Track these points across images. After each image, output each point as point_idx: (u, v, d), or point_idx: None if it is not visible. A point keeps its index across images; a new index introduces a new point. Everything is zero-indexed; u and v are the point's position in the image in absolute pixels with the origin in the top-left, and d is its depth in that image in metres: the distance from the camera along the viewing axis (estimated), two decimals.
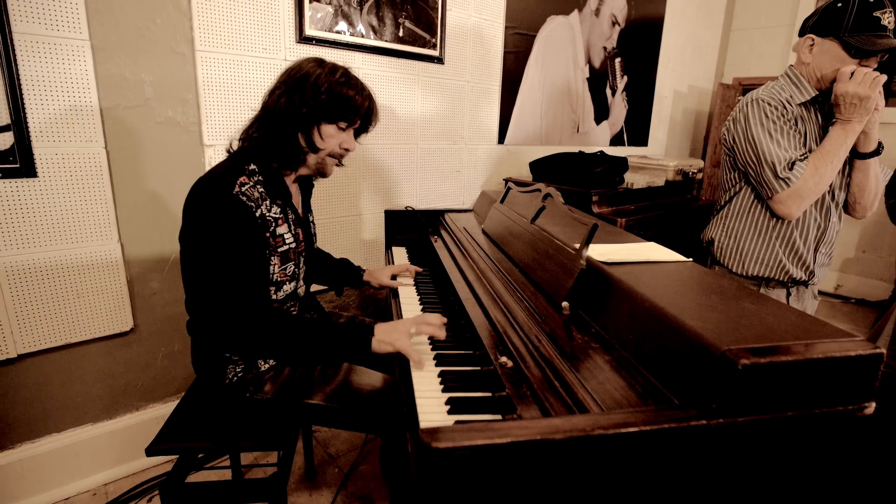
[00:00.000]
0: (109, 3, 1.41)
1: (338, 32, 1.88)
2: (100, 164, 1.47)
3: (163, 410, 1.74)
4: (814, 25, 1.38)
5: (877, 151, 1.41)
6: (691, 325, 0.68)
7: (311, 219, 1.36)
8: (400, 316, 1.28)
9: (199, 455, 1.71)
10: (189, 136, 1.63)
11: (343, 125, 1.16)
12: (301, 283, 1.27)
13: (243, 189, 1.05)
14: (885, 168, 1.50)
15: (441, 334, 1.06)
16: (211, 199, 1.04)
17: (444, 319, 1.09)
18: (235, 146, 1.17)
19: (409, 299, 1.38)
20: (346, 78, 1.13)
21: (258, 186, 1.09)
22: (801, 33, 1.43)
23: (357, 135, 1.23)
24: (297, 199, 1.27)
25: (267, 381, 1.19)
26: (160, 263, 1.65)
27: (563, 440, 0.57)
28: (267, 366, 1.20)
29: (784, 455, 0.66)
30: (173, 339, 1.73)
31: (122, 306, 1.59)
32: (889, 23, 1.29)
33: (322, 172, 1.23)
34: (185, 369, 1.77)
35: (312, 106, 1.10)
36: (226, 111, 1.68)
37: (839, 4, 1.32)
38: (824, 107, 1.44)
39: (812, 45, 1.38)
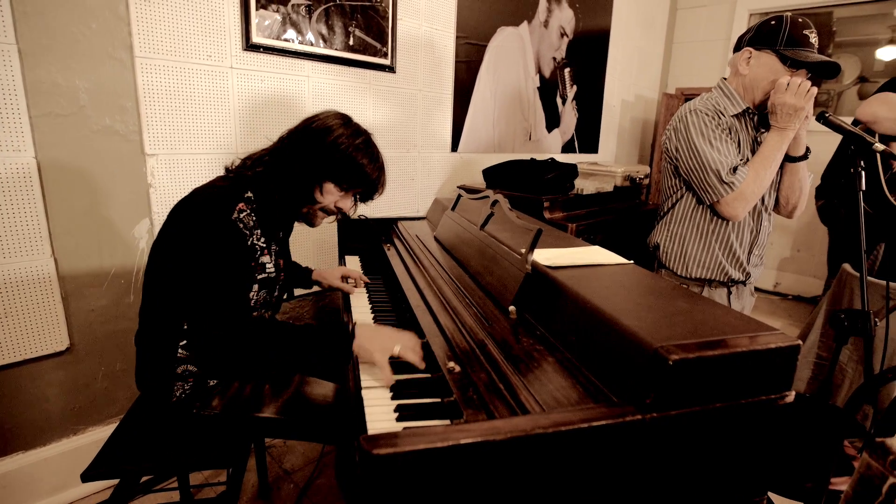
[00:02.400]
0: (39, 6, 1.35)
1: (286, 40, 1.85)
2: (29, 174, 1.39)
3: (103, 433, 1.65)
4: (750, 40, 1.48)
5: (805, 156, 1.52)
6: (627, 325, 0.71)
7: (287, 250, 1.39)
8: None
9: (145, 478, 1.63)
10: (129, 146, 1.57)
11: (345, 187, 1.18)
12: (270, 311, 1.28)
13: (241, 216, 1.09)
14: (811, 173, 1.61)
15: (421, 364, 0.99)
16: (210, 219, 1.05)
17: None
18: (236, 165, 1.19)
19: (360, 307, 1.37)
20: (365, 146, 1.16)
21: (252, 215, 1.12)
22: (737, 48, 1.53)
23: (362, 200, 1.26)
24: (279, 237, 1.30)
25: (215, 395, 1.15)
26: (99, 278, 1.57)
27: (504, 441, 0.58)
28: (214, 381, 1.17)
29: (715, 443, 0.69)
30: (114, 357, 1.65)
31: (56, 324, 1.50)
32: (815, 41, 1.41)
33: (310, 222, 1.24)
34: (128, 389, 1.69)
35: (324, 162, 1.13)
36: (169, 119, 1.63)
37: (773, 23, 1.43)
38: (754, 118, 1.53)
39: (749, 58, 1.47)
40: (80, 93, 1.45)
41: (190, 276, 1.04)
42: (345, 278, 1.53)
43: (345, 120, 1.17)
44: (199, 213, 1.06)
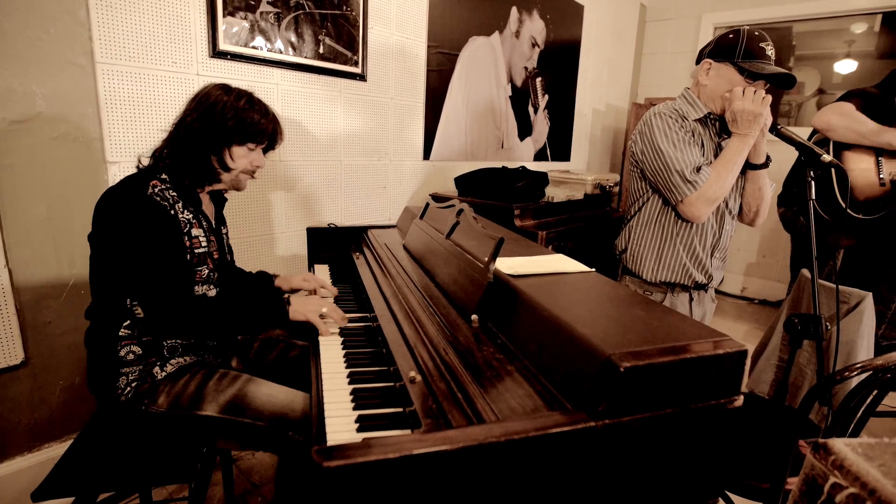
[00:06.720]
0: None
1: (254, 48, 1.84)
2: None
3: (60, 450, 1.59)
4: (710, 53, 1.54)
5: (766, 164, 1.57)
6: (582, 333, 0.72)
7: (224, 231, 1.41)
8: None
9: (104, 495, 1.58)
10: (90, 153, 1.53)
11: (252, 146, 1.25)
12: (212, 288, 1.29)
13: (156, 190, 1.13)
14: (773, 183, 1.66)
15: (343, 322, 1.24)
16: (125, 200, 1.10)
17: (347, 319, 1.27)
18: (145, 163, 1.22)
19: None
20: (250, 104, 1.22)
21: (170, 190, 1.17)
22: (699, 60, 1.59)
23: (265, 152, 1.31)
24: (209, 211, 1.33)
25: (161, 392, 1.16)
26: (57, 289, 1.52)
27: (457, 451, 0.58)
28: (164, 374, 1.18)
29: (667, 448, 0.71)
30: (73, 371, 1.60)
31: (10, 337, 1.45)
32: (771, 53, 1.47)
33: (236, 187, 1.32)
34: (87, 403, 1.63)
35: (221, 131, 1.19)
36: (132, 126, 1.59)
37: (731, 36, 1.49)
38: (716, 124, 1.59)
39: (709, 69, 1.53)
40: (38, 99, 1.41)
41: (122, 259, 1.10)
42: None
43: (225, 88, 1.22)
44: (114, 200, 1.11)
